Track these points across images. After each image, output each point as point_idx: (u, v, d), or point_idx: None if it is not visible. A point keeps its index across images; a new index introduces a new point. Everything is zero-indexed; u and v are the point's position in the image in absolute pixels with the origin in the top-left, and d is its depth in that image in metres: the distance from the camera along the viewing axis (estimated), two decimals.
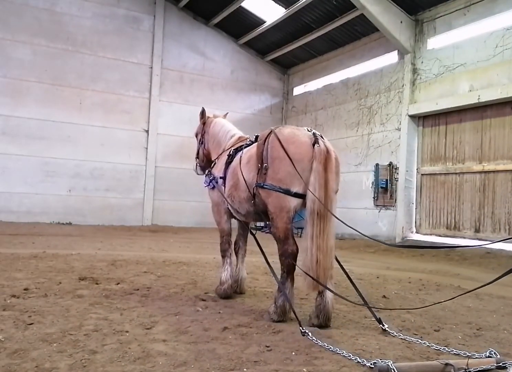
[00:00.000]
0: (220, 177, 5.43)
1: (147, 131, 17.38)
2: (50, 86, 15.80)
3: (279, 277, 4.58)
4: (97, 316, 4.48)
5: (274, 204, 4.43)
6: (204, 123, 6.31)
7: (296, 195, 4.36)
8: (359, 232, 4.51)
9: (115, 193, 16.73)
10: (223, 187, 5.38)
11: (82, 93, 16.33)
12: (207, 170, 5.98)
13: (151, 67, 17.57)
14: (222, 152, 5.75)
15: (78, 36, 16.29)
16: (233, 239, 5.88)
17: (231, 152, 5.40)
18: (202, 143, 6.28)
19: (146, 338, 3.86)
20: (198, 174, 6.43)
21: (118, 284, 6.12)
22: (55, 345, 3.59)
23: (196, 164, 6.42)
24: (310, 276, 4.16)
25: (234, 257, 5.76)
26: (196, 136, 6.42)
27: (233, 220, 5.78)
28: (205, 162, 6.30)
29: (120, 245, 10.94)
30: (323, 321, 4.33)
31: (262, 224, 6.04)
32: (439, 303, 5.02)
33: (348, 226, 4.37)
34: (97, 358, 3.35)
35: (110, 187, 16.68)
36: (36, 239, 11.18)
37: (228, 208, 5.41)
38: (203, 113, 6.32)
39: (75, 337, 3.80)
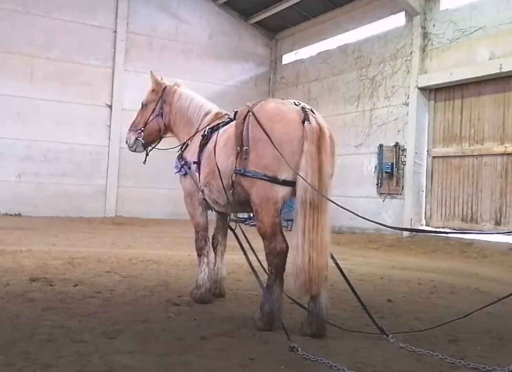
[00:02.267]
0: (194, 162, 5.32)
1: (110, 106, 17.24)
2: None
3: (264, 279, 4.55)
4: (51, 323, 4.45)
5: (258, 194, 4.36)
6: (163, 91, 6.11)
7: (284, 183, 4.28)
8: (358, 215, 4.41)
9: (72, 178, 16.58)
10: (197, 174, 5.28)
11: (33, 62, 16.12)
12: (178, 154, 5.79)
13: (115, 31, 17.38)
14: (196, 133, 5.64)
15: None
16: (211, 232, 5.85)
17: (205, 132, 5.30)
18: (158, 115, 6.08)
19: (109, 349, 3.83)
20: (134, 151, 6.18)
21: (76, 285, 6.09)
22: (1, 357, 3.55)
23: (136, 139, 6.13)
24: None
25: (212, 255, 5.73)
26: (146, 105, 6.19)
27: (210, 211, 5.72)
28: (153, 138, 6.19)
29: (79, 240, 10.91)
30: (316, 329, 4.28)
31: (245, 215, 6.01)
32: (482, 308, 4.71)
33: (348, 210, 4.31)
34: None
35: (66, 171, 16.53)
36: None
37: (204, 198, 5.33)
38: (156, 78, 6.18)
39: (26, 348, 3.77)
